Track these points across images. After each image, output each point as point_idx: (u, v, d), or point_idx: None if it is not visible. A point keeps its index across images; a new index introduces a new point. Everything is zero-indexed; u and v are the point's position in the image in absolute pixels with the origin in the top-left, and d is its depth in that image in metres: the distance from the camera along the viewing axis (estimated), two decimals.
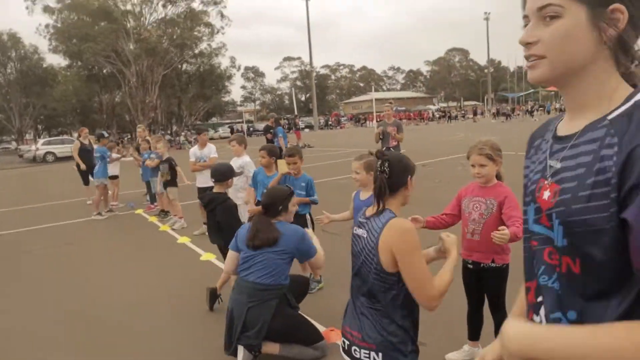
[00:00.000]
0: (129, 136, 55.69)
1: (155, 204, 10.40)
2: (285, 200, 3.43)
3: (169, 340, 4.13)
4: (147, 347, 4.04)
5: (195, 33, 43.62)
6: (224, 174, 4.40)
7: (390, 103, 8.76)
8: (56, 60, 58.81)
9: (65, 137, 44.34)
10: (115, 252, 7.26)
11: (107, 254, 7.19)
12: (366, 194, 3.92)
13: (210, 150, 7.68)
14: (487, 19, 77.25)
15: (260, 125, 65.74)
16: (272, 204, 3.39)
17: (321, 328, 3.83)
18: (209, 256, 6.37)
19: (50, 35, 43.31)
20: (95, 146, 11.12)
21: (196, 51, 46.59)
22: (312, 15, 42.39)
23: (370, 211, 2.28)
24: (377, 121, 32.95)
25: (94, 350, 4.07)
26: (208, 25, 44.40)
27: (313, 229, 4.72)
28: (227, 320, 3.39)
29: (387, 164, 2.17)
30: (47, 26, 43.41)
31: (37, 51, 49.41)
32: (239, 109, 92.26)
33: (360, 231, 2.24)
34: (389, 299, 2.05)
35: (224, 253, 4.51)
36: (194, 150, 7.81)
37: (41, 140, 37.13)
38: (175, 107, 54.89)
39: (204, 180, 7.59)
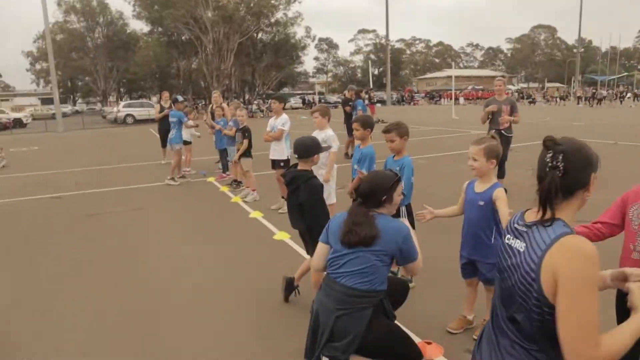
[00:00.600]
0: (203, 102, 57.12)
1: (228, 172, 10.16)
2: (390, 189, 2.78)
3: (232, 334, 3.69)
4: (204, 340, 3.59)
5: (273, 1, 43.20)
6: (308, 148, 3.75)
7: (503, 76, 7.64)
8: (139, 26, 60.90)
9: (144, 100, 46.08)
10: (184, 221, 7.00)
11: (176, 222, 6.94)
12: (483, 185, 3.21)
13: (281, 121, 7.15)
14: None
15: (332, 98, 65.30)
16: (372, 192, 2.75)
17: (415, 339, 3.24)
18: (283, 235, 5.90)
19: (134, 1, 44.57)
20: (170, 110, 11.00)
21: (272, 20, 46.32)
22: None
23: (530, 216, 1.66)
24: (462, 99, 31.13)
25: (141, 336, 3.69)
26: None
27: (413, 225, 4.08)
28: (311, 324, 2.85)
29: (561, 156, 1.55)
30: None
31: (122, 17, 51.29)
32: (311, 80, 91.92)
33: (518, 243, 1.64)
34: (550, 341, 1.48)
35: (304, 239, 3.98)
36: (271, 120, 7.33)
37: (122, 103, 38.68)
38: (249, 75, 55.37)
39: (274, 151, 7.16)
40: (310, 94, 64.70)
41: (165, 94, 12.66)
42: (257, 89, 56.08)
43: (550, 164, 1.58)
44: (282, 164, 7.08)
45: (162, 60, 48.98)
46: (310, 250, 3.84)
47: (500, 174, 7.37)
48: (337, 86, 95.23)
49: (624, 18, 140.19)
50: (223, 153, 10.12)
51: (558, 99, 51.34)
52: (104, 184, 10.15)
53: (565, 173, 1.55)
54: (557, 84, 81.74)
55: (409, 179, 3.98)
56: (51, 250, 5.81)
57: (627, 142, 14.29)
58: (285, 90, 70.57)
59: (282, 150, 7.12)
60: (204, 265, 5.11)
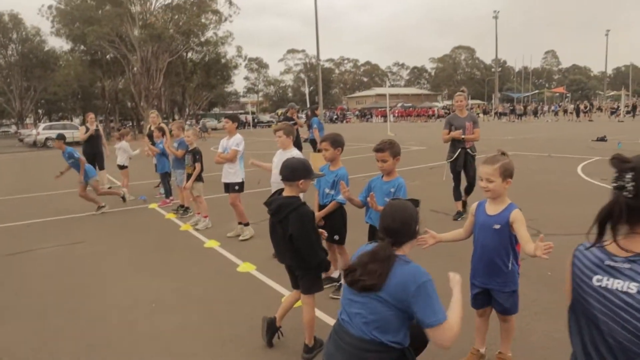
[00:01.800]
0: (131, 124, 54.60)
1: (171, 198, 9.40)
2: (416, 221, 2.40)
3: None
4: None
5: (203, 20, 42.30)
6: (294, 171, 3.28)
7: (463, 91, 7.40)
8: (58, 44, 57.56)
9: (67, 122, 43.27)
10: (131, 254, 6.21)
11: (122, 256, 6.13)
12: (497, 207, 2.91)
13: (235, 141, 6.60)
14: (496, 17, 75.93)
15: (265, 117, 64.83)
16: (405, 226, 2.32)
17: None
18: (248, 267, 5.34)
19: (53, 17, 41.99)
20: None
21: (202, 39, 45.31)
22: (317, 8, 41.24)
23: (616, 249, 1.44)
24: (392, 117, 31.35)
25: None
26: (216, 12, 43.08)
27: None
28: None
29: (630, 174, 1.40)
30: (49, 7, 42.12)
31: (39, 33, 48.13)
32: (242, 100, 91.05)
33: (620, 283, 1.34)
34: None
35: (293, 276, 3.49)
36: (223, 140, 6.78)
37: (42, 125, 35.96)
38: (179, 95, 53.72)
39: (227, 174, 6.61)
40: (242, 113, 63.88)
41: (91, 115, 11.87)
42: (187, 110, 54.48)
43: (619, 184, 1.41)
44: (236, 187, 6.54)
45: (85, 80, 46.33)
46: (301, 285, 3.37)
47: (469, 191, 7.27)
48: (268, 105, 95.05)
49: (533, 41, 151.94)
50: (165, 177, 9.35)
51: (481, 115, 54.15)
52: (27, 215, 9.03)
53: (637, 195, 1.38)
54: (478, 101, 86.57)
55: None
56: None
57: (559, 154, 14.99)
58: (216, 110, 69.29)
59: (236, 173, 6.58)
60: (164, 307, 4.45)
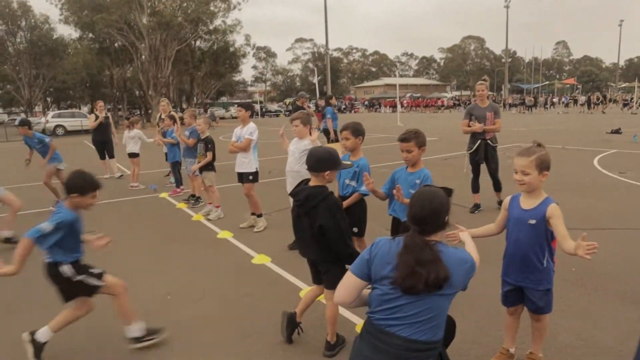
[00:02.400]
0: (139, 112, 54.59)
1: (182, 187, 9.31)
2: (449, 206, 2.27)
3: None
4: None
5: (211, 8, 42.00)
6: (319, 161, 3.11)
7: (485, 80, 7.04)
8: (67, 32, 57.52)
9: (75, 110, 43.35)
10: (144, 245, 6.14)
11: (136, 247, 6.05)
12: (533, 201, 2.77)
13: (248, 130, 6.46)
14: (507, 6, 74.98)
15: (273, 107, 64.56)
16: (435, 215, 2.18)
17: None
18: (263, 258, 5.24)
19: (62, 5, 41.85)
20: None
21: (211, 27, 45.02)
22: None
23: None
24: (401, 107, 30.64)
25: None
26: (224, 0, 42.77)
27: None
28: None
29: None
30: None
31: (48, 21, 48.04)
32: (250, 89, 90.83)
33: None
34: None
35: (315, 270, 3.37)
36: (236, 129, 6.65)
37: (51, 113, 36.04)
38: (187, 84, 53.61)
39: (241, 163, 6.48)
40: (248, 102, 63.50)
41: (100, 103, 11.91)
42: (195, 98, 54.40)
43: None
44: (250, 177, 6.42)
45: (94, 68, 46.27)
46: (325, 279, 3.25)
47: (497, 187, 7.08)
48: (275, 95, 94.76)
49: (544, 31, 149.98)
50: (175, 166, 9.26)
51: None
52: (38, 203, 8.98)
53: None
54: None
55: None
56: None
57: (573, 146, 14.75)
58: (224, 99, 69.18)
59: (250, 162, 6.45)
60: (179, 299, 4.36)
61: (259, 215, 6.58)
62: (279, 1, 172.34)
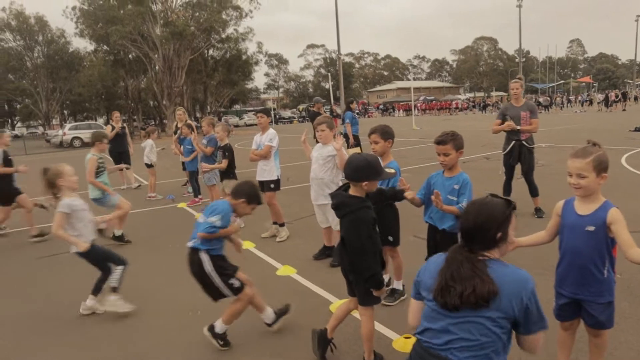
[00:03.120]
0: (153, 122, 55.04)
1: (200, 197, 9.17)
2: (505, 221, 2.05)
3: None
4: None
5: (223, 16, 42.22)
6: (357, 170, 2.85)
7: (520, 79, 6.68)
8: (82, 45, 58.32)
9: (92, 122, 43.84)
10: (165, 256, 5.98)
11: (157, 259, 5.91)
12: (590, 206, 2.52)
13: (268, 137, 6.29)
14: (519, 5, 74.27)
15: (286, 113, 64.64)
16: (482, 228, 1.96)
17: None
18: (288, 270, 5.04)
19: (77, 18, 42.45)
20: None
21: (223, 35, 45.27)
22: (335, 3, 40.26)
23: None
24: (415, 110, 29.82)
25: None
26: (236, 8, 42.96)
27: None
28: None
29: None
30: (73, 8, 42.62)
31: (64, 35, 48.85)
32: (262, 96, 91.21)
33: None
34: None
35: (349, 281, 3.15)
36: (256, 137, 6.49)
37: (68, 125, 36.44)
38: (201, 93, 53.93)
39: (262, 172, 6.31)
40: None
41: (117, 114, 11.87)
42: (209, 107, 54.68)
43: None
44: (272, 185, 6.24)
45: (109, 80, 46.85)
46: (359, 294, 3.03)
47: (533, 191, 6.77)
48: (288, 101, 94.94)
49: (558, 30, 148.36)
50: (193, 175, 9.13)
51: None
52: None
53: None
54: (502, 93, 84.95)
55: (469, 198, 3.27)
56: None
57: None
58: (237, 107, 69.48)
59: (271, 170, 6.28)
60: (203, 315, 4.17)
61: (282, 225, 6.39)
62: (289, 8, 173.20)
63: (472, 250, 1.98)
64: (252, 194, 3.60)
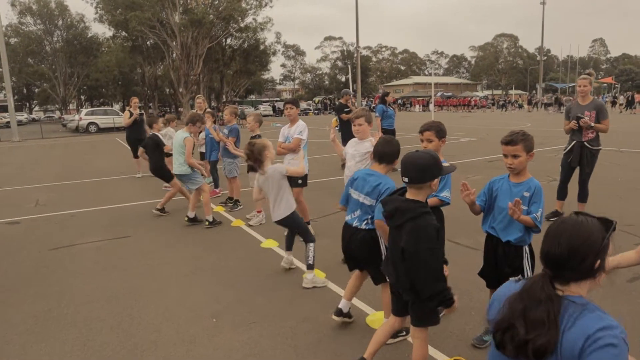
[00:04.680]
0: (168, 110, 55.01)
1: (220, 188, 8.82)
2: (605, 246, 1.57)
3: None
4: None
5: (243, 5, 41.80)
6: (425, 170, 2.48)
7: (590, 74, 6.08)
8: (101, 30, 58.44)
9: (108, 108, 43.85)
10: (183, 253, 5.62)
11: (174, 256, 5.55)
12: None
13: (298, 129, 5.87)
14: (543, 3, 72.75)
15: (302, 105, 64.16)
16: (578, 254, 1.53)
17: None
18: (320, 275, 4.65)
19: (97, 4, 42.32)
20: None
21: (242, 24, 44.85)
22: None
23: None
24: (432, 106, 29.10)
25: None
26: None
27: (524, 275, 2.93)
28: None
29: None
30: None
31: (83, 20, 48.87)
32: (278, 87, 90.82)
33: None
34: None
35: (398, 298, 2.74)
36: (284, 129, 6.09)
37: (84, 110, 36.39)
38: (217, 82, 53.68)
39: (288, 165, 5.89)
40: (278, 101, 63.52)
41: (135, 100, 11.57)
42: (224, 97, 54.40)
43: None
44: (300, 180, 5.83)
45: (126, 66, 46.82)
46: (412, 313, 2.64)
47: (583, 197, 6.30)
48: (303, 93, 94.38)
49: (580, 29, 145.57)
50: (214, 165, 8.77)
51: (525, 105, 51.92)
52: (72, 204, 8.62)
53: None
54: (520, 91, 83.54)
55: (542, 208, 2.85)
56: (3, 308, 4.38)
57: (628, 148, 13.72)
58: (252, 97, 69.18)
59: (299, 164, 5.86)
60: (226, 323, 3.79)
61: (307, 223, 5.99)
62: (306, 0, 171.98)
63: (556, 281, 1.56)
64: (399, 149, 3.36)
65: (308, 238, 4.54)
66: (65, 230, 6.85)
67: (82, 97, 59.55)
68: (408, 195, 2.53)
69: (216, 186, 8.88)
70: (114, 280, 4.79)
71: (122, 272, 5.04)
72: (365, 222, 3.35)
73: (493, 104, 56.41)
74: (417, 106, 58.56)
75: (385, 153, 3.30)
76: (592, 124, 5.92)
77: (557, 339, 1.45)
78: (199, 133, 9.02)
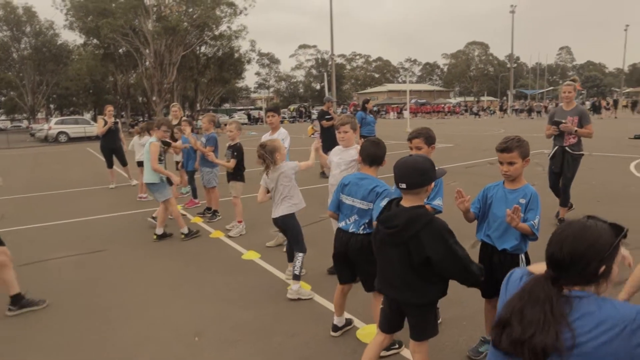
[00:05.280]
0: (141, 119, 54.04)
1: (198, 199, 8.60)
2: (612, 253, 1.53)
3: None
4: None
5: (218, 13, 41.47)
6: (424, 173, 2.42)
7: (574, 80, 6.24)
8: (71, 37, 57.23)
9: (79, 117, 42.79)
10: (163, 266, 5.41)
11: (154, 270, 5.34)
12: None
13: (280, 136, 5.72)
14: (513, 12, 74.52)
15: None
16: (579, 259, 1.49)
17: None
18: (305, 287, 4.51)
19: (67, 10, 41.36)
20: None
21: (216, 32, 44.48)
22: (328, 3, 39.88)
23: None
24: (406, 113, 29.70)
25: None
26: (230, 5, 42.21)
27: None
28: None
29: None
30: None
31: (53, 26, 47.73)
32: (253, 95, 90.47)
33: None
34: None
35: (394, 313, 2.62)
36: (265, 136, 5.94)
37: (54, 120, 35.43)
38: (191, 90, 53.06)
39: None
40: (252, 109, 63.28)
41: (109, 108, 11.17)
42: (199, 105, 53.78)
43: None
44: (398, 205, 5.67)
45: (97, 74, 45.76)
46: (414, 328, 2.55)
47: (564, 201, 6.37)
48: (278, 101, 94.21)
49: (547, 37, 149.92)
50: (192, 175, 8.56)
51: (498, 112, 52.93)
52: (42, 217, 8.27)
53: None
54: (491, 98, 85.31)
55: (539, 215, 2.79)
56: None
57: (599, 152, 14.03)
58: (227, 105, 68.69)
59: None
60: (210, 341, 3.62)
61: None
62: (282, 7, 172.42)
63: (561, 283, 1.51)
64: (383, 154, 3.35)
65: (299, 248, 4.42)
66: (36, 244, 6.55)
67: (52, 105, 58.06)
68: (405, 203, 2.44)
69: (194, 196, 8.66)
70: (88, 298, 4.55)
71: (97, 288, 4.81)
72: (362, 226, 3.28)
73: (466, 111, 57.34)
74: (392, 113, 59.05)
75: (376, 155, 3.29)
76: (575, 129, 6.01)
77: (555, 339, 1.41)
78: (176, 141, 8.81)
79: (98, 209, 8.68)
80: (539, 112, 44.82)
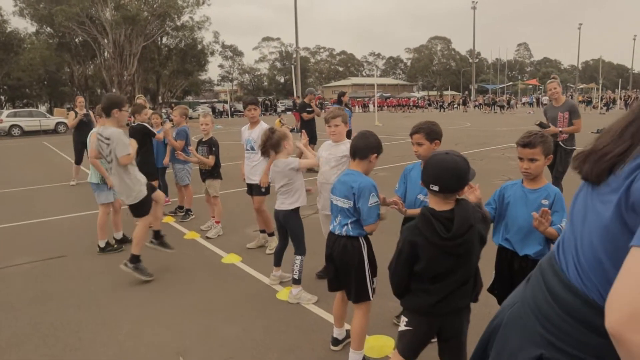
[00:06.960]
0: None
1: (168, 198, 8.08)
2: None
3: None
4: None
5: (179, 2, 40.26)
6: (462, 174, 2.13)
7: (555, 78, 6.29)
8: (22, 25, 54.41)
9: (33, 109, 40.69)
10: (129, 279, 4.93)
11: (120, 282, 4.84)
12: None
13: (261, 132, 5.34)
14: (474, 7, 75.83)
15: (240, 106, 62.91)
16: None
17: None
18: (288, 292, 4.15)
19: None
20: None
21: (178, 23, 43.25)
22: None
23: None
24: (371, 106, 29.74)
25: None
26: None
27: None
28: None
29: None
30: None
31: (1, 13, 45.10)
32: (216, 88, 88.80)
33: None
34: None
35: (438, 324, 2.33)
36: (244, 130, 5.55)
37: (5, 112, 33.44)
38: (153, 83, 51.48)
39: (251, 172, 5.38)
40: (216, 102, 61.98)
41: (80, 99, 10.60)
42: (162, 97, 52.25)
43: None
44: (263, 189, 5.31)
45: (52, 65, 43.64)
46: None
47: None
48: (242, 94, 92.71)
49: (506, 33, 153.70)
50: (163, 172, 8.02)
51: (461, 106, 53.76)
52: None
53: None
54: (453, 92, 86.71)
55: (566, 217, 2.54)
56: None
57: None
58: (189, 98, 67.09)
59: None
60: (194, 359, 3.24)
61: (271, 234, 5.48)
62: (243, 0, 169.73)
63: None
64: (378, 141, 3.05)
65: (299, 249, 4.08)
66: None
67: (2, 97, 55.11)
68: (435, 206, 2.14)
69: (166, 194, 8.13)
70: (50, 313, 4.05)
71: (59, 302, 4.29)
72: (345, 227, 2.93)
73: (430, 104, 58.00)
74: (357, 107, 59.09)
75: (357, 147, 2.97)
76: (560, 129, 6.13)
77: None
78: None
79: (57, 209, 8.05)
80: (501, 107, 45.72)
